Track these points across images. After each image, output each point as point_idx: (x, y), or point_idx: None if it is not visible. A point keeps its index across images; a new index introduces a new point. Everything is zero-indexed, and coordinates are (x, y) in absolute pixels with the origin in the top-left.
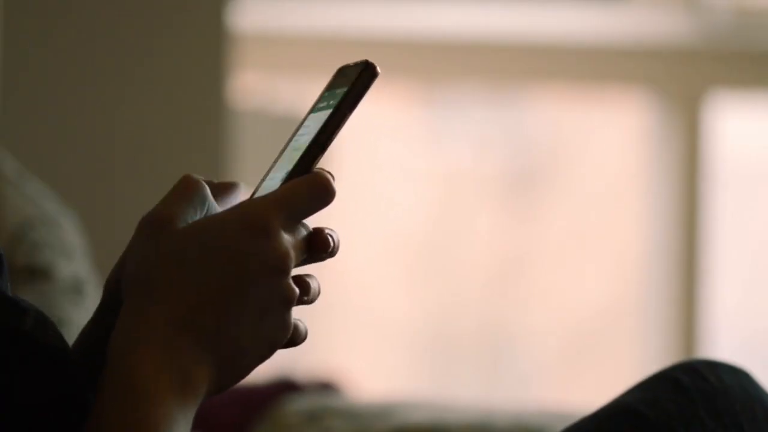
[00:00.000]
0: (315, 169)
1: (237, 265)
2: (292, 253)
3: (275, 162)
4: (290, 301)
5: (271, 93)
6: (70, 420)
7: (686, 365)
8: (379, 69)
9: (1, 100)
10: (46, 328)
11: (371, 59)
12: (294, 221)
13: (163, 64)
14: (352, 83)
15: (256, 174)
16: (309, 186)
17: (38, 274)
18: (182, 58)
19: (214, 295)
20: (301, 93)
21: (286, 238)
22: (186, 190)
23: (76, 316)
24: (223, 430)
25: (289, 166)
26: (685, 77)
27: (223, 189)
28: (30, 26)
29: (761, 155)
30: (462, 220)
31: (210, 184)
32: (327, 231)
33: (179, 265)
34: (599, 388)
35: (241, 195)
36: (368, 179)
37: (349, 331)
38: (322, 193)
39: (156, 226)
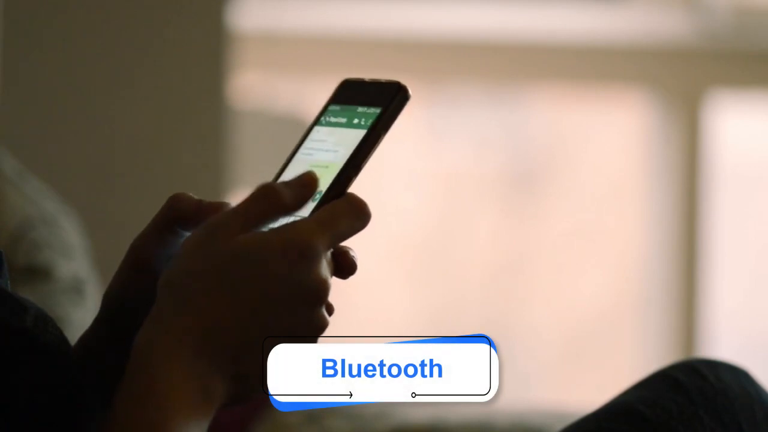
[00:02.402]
0: (350, 193)
1: (276, 288)
2: (329, 282)
3: (282, 171)
4: (321, 330)
5: (271, 93)
6: (70, 416)
7: (686, 365)
8: (411, 91)
9: (1, 100)
10: (47, 325)
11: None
12: (334, 245)
13: (163, 64)
14: (387, 105)
15: (255, 174)
16: (350, 210)
17: (38, 273)
18: (182, 58)
19: (246, 316)
20: (301, 93)
21: (325, 264)
22: (262, 212)
23: (76, 316)
24: (223, 430)
25: (321, 189)
26: (685, 77)
27: (213, 209)
28: (30, 26)
29: (761, 155)
30: (462, 220)
31: (198, 203)
32: (351, 253)
33: (218, 278)
34: (599, 388)
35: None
36: (368, 179)
37: (348, 331)
38: (362, 218)
39: (213, 236)
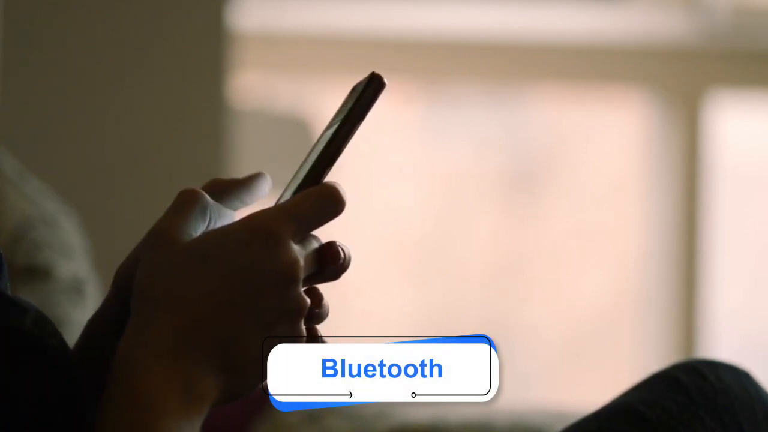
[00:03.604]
0: (324, 181)
1: (244, 276)
2: (302, 262)
3: (291, 180)
4: (300, 311)
5: (271, 93)
6: (69, 419)
7: (686, 365)
8: (386, 80)
9: (1, 100)
10: (46, 327)
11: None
12: (303, 231)
13: (163, 64)
14: (360, 95)
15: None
16: (317, 196)
17: (38, 273)
18: (182, 58)
19: (221, 308)
20: (301, 93)
21: (296, 248)
22: (185, 204)
23: (76, 316)
24: (223, 430)
25: (299, 181)
26: (685, 77)
27: (248, 181)
28: (30, 26)
29: (761, 155)
30: (462, 220)
31: (234, 181)
32: (339, 244)
33: (185, 277)
34: (599, 388)
35: (266, 185)
36: (368, 179)
37: (348, 331)
38: (330, 202)
39: (160, 241)
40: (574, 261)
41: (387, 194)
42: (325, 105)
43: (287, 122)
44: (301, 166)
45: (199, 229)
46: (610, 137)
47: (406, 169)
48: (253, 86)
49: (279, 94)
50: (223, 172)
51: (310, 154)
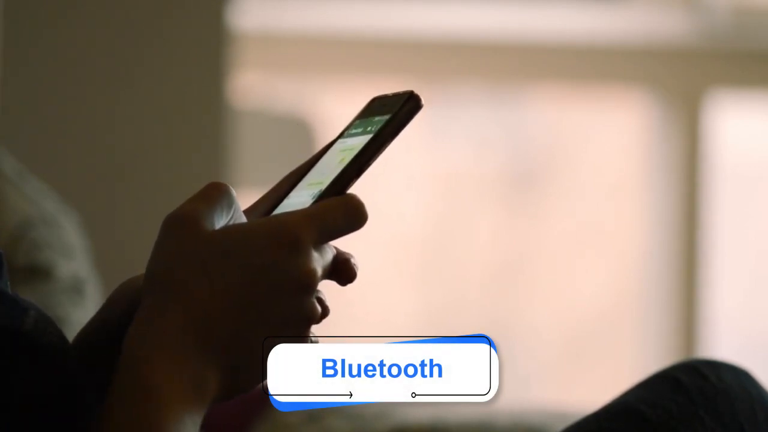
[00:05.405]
0: (348, 192)
1: (262, 277)
2: (319, 272)
3: (300, 181)
4: (311, 320)
5: (271, 93)
6: (70, 418)
7: (686, 365)
8: (423, 101)
9: (1, 100)
10: (47, 327)
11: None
12: (324, 240)
13: (163, 64)
14: (397, 111)
15: (256, 174)
16: (343, 207)
17: (38, 273)
18: (182, 58)
19: (235, 306)
20: (301, 93)
21: (316, 257)
22: (214, 193)
23: (76, 316)
24: (223, 430)
25: (322, 186)
26: (685, 77)
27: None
28: (30, 26)
29: (761, 155)
30: (462, 220)
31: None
32: (353, 261)
33: (203, 270)
34: (599, 388)
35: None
36: (368, 179)
37: (348, 331)
38: (355, 215)
39: (182, 226)
40: (574, 261)
41: (387, 195)
42: (325, 105)
43: (287, 122)
44: (306, 172)
45: (221, 222)
46: (610, 137)
47: (407, 170)
48: (253, 86)
49: (279, 94)
50: (223, 172)
51: (317, 159)
